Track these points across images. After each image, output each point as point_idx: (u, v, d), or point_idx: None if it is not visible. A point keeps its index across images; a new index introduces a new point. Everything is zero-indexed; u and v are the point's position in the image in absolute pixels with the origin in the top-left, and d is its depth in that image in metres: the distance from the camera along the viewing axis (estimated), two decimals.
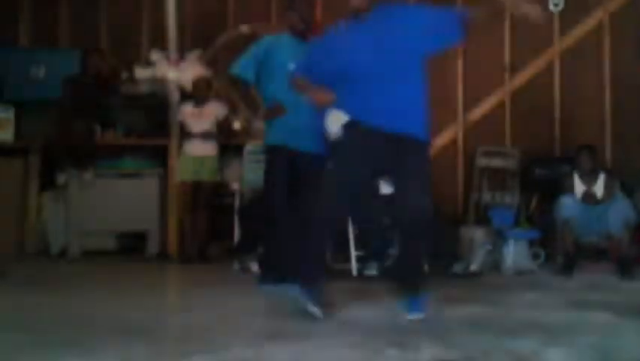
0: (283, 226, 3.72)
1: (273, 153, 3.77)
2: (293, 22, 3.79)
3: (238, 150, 5.25)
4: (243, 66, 3.81)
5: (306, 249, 2.76)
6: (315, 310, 2.58)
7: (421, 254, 2.90)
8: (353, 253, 4.32)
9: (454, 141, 6.06)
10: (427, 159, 2.94)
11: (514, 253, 4.58)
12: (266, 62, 3.77)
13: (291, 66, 3.66)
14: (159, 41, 6.25)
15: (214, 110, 5.45)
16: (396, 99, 2.77)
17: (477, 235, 4.76)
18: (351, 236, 4.36)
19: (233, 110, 5.77)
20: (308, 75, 3.09)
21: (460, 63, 6.10)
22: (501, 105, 6.18)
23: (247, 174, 4.86)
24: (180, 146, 5.46)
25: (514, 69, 6.14)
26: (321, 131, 3.00)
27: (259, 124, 3.96)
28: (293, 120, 3.72)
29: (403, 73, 2.83)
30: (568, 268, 4.42)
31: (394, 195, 2.83)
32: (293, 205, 3.77)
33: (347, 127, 2.76)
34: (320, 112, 2.96)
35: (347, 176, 2.76)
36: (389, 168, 2.82)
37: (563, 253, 4.61)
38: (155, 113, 5.89)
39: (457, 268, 4.12)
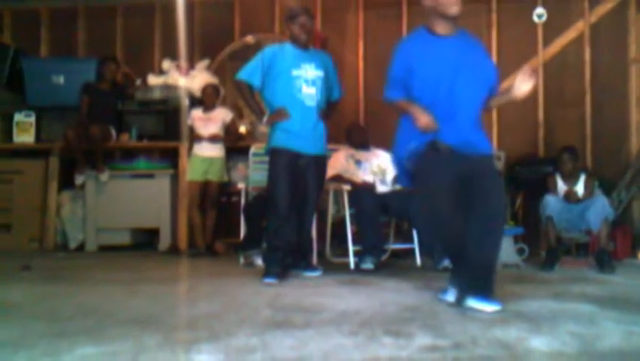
0: (286, 221, 3.71)
1: (277, 155, 3.78)
2: (295, 33, 3.82)
3: (243, 152, 5.25)
4: (249, 72, 3.84)
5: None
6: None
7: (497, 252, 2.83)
8: (351, 247, 4.32)
9: None
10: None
11: (501, 249, 4.58)
12: (270, 69, 3.80)
13: (294, 72, 3.75)
14: (170, 51, 6.27)
15: (221, 115, 5.46)
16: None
17: None
18: (349, 232, 4.36)
19: (239, 115, 5.79)
20: (401, 94, 2.94)
21: None
22: (489, 110, 6.17)
23: (252, 174, 4.86)
24: (190, 148, 5.46)
25: (501, 77, 6.13)
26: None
27: (263, 128, 3.96)
28: (294, 124, 3.75)
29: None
30: (550, 262, 4.43)
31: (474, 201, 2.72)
32: (295, 202, 3.77)
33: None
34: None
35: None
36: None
37: (546, 248, 4.62)
38: (167, 117, 5.89)
39: (447, 262, 4.11)
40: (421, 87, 2.81)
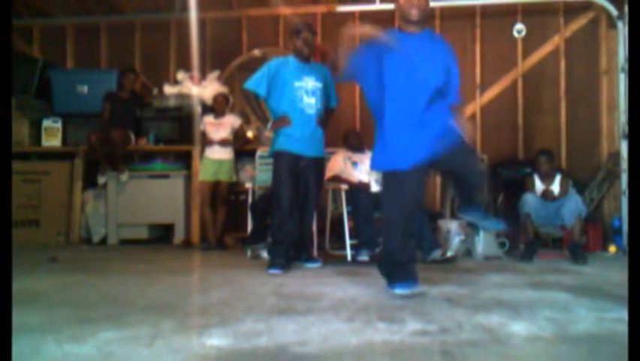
0: (289, 217, 3.72)
1: (280, 157, 3.78)
2: (298, 47, 3.84)
3: (251, 154, 5.25)
4: (256, 82, 3.87)
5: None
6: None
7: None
8: (348, 241, 4.32)
9: None
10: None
11: (484, 242, 4.58)
12: (275, 79, 3.82)
13: (296, 84, 3.77)
14: (184, 63, 6.27)
15: (230, 121, 5.45)
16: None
17: (452, 226, 4.76)
18: (346, 227, 4.36)
19: (246, 121, 5.78)
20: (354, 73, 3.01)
21: None
22: (473, 116, 6.18)
23: (258, 175, 4.86)
24: (202, 151, 5.46)
25: (484, 86, 6.16)
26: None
27: (268, 133, 3.97)
28: (295, 130, 3.77)
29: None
30: (529, 254, 4.42)
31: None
32: (297, 200, 3.78)
33: None
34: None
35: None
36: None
37: (524, 242, 4.62)
38: (181, 123, 5.89)
39: (436, 254, 4.11)
40: (389, 73, 2.84)
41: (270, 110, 3.93)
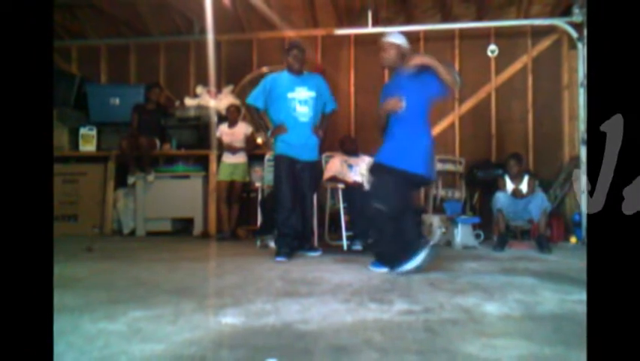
0: (291, 212, 3.70)
1: (279, 160, 3.78)
2: (289, 62, 3.79)
3: (260, 158, 5.25)
4: (254, 98, 3.86)
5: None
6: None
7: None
8: (344, 233, 4.32)
9: None
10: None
11: (462, 234, 4.58)
12: (271, 93, 3.79)
13: (289, 95, 3.73)
14: (202, 79, 6.27)
15: (243, 129, 5.45)
16: None
17: (435, 220, 4.76)
18: (342, 221, 4.35)
19: (256, 128, 5.78)
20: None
21: None
22: (452, 125, 6.19)
23: (266, 175, 4.86)
24: (219, 156, 5.46)
25: (462, 99, 6.16)
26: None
27: (269, 140, 3.94)
28: (291, 137, 3.74)
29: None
30: (501, 244, 4.43)
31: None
32: (297, 197, 3.75)
33: None
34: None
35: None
36: None
37: (497, 234, 4.62)
38: (200, 131, 5.89)
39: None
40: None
41: (270, 119, 3.93)
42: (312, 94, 3.79)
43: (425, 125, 3.10)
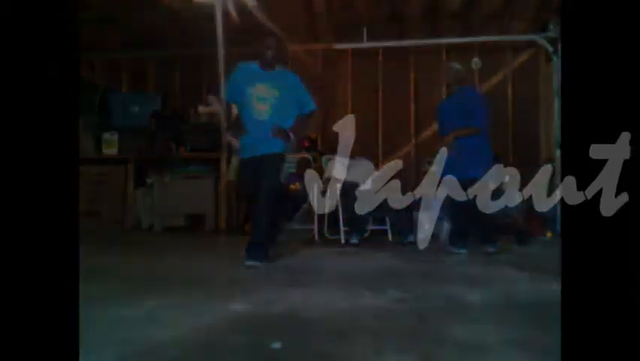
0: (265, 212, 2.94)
1: (241, 165, 3.30)
2: (261, 52, 3.10)
3: None
4: (228, 95, 3.26)
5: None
6: None
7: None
8: (342, 228, 4.31)
9: (408, 154, 6.06)
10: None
11: (448, 229, 4.57)
12: (238, 86, 3.12)
13: (248, 90, 3.03)
14: (213, 89, 6.25)
15: None
16: None
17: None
18: (340, 217, 4.35)
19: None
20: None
21: (412, 105, 6.12)
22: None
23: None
24: (229, 158, 5.44)
25: None
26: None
27: (231, 141, 3.35)
28: (248, 137, 3.08)
29: None
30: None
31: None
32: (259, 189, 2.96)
33: None
34: None
35: None
36: None
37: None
38: (211, 136, 5.88)
39: (410, 238, 4.10)
40: None
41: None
42: (275, 93, 3.03)
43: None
